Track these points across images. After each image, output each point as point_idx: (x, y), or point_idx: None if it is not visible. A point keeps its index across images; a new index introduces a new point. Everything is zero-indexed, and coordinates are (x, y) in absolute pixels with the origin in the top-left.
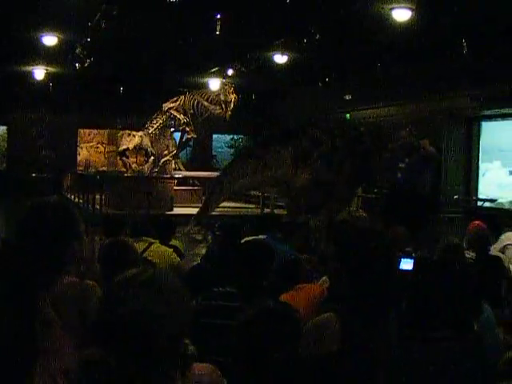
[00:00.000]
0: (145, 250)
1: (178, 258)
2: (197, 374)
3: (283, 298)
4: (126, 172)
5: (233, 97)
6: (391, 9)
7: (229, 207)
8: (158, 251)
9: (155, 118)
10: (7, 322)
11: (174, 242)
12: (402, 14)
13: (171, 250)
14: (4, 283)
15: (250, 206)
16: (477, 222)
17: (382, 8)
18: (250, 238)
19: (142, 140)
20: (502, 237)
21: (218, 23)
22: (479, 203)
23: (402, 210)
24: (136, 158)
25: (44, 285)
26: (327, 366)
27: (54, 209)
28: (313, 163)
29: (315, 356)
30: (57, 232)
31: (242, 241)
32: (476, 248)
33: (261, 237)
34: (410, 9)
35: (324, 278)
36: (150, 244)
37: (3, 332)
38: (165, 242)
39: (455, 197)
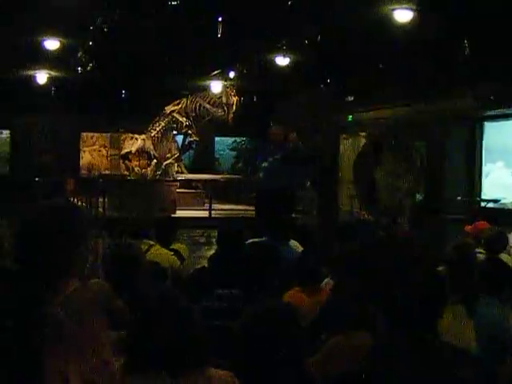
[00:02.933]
0: (144, 253)
1: (178, 262)
2: (217, 380)
3: (287, 298)
4: (129, 175)
5: (235, 99)
6: (393, 9)
7: (232, 209)
8: (157, 254)
9: (157, 121)
10: (16, 326)
11: (177, 245)
12: (403, 15)
13: (171, 252)
14: (12, 287)
15: (253, 208)
16: (482, 223)
17: (384, 9)
18: (254, 240)
19: (144, 143)
20: None
21: (220, 26)
22: (482, 204)
23: (267, 209)
24: (139, 161)
25: (53, 288)
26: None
27: (61, 211)
28: None
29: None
30: (66, 234)
31: (246, 243)
32: (493, 248)
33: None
34: (411, 9)
35: (327, 279)
36: (150, 247)
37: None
38: (165, 244)
39: (458, 198)
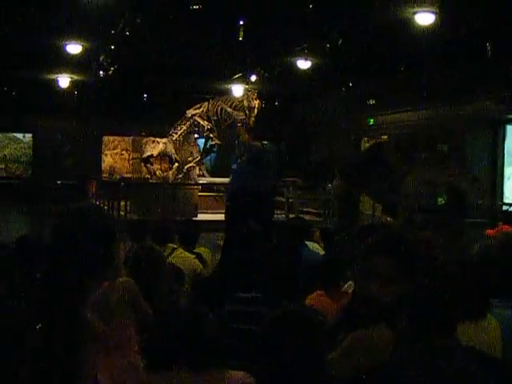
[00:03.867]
0: (167, 257)
1: (201, 265)
2: (234, 380)
3: (310, 301)
4: (151, 179)
5: (256, 103)
6: (414, 13)
7: None
8: (180, 257)
9: (179, 125)
10: (50, 328)
11: (201, 248)
12: (425, 18)
13: (193, 256)
14: (46, 289)
15: (275, 211)
16: (504, 226)
17: (406, 12)
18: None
19: (166, 147)
20: None
21: (241, 29)
22: (504, 207)
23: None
24: (160, 164)
25: (85, 289)
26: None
27: (93, 213)
28: None
29: (364, 367)
30: (98, 236)
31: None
32: None
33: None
34: (433, 12)
35: (350, 282)
36: (173, 250)
37: (47, 337)
38: (188, 248)
39: (479, 202)
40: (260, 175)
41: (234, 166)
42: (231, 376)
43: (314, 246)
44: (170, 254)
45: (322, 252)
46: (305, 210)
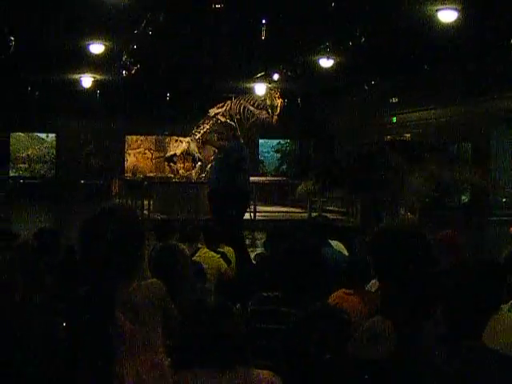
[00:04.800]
0: (192, 255)
1: (225, 264)
2: (260, 379)
3: (334, 300)
4: (174, 177)
5: (279, 101)
6: (437, 10)
7: (276, 211)
8: (204, 256)
9: (202, 124)
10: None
11: (226, 247)
12: (447, 15)
13: (218, 255)
14: (78, 288)
15: (298, 210)
16: None
17: (428, 9)
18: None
19: (189, 146)
20: None
21: (264, 28)
22: None
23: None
24: (183, 163)
25: (116, 289)
26: (381, 369)
27: (122, 213)
28: None
29: (368, 359)
30: (129, 236)
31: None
32: None
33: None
34: (455, 9)
35: (373, 281)
36: (197, 249)
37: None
38: (212, 247)
39: (504, 200)
40: (229, 171)
41: (213, 163)
42: (258, 375)
43: (338, 245)
44: (195, 253)
45: (346, 251)
46: (328, 208)
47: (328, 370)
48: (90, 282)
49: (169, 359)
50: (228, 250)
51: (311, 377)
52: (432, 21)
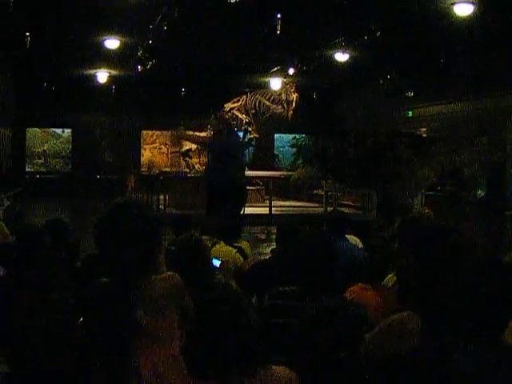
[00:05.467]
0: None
1: (242, 259)
2: (278, 376)
3: (351, 294)
4: (189, 172)
5: (294, 96)
6: (452, 3)
7: (292, 206)
8: (221, 251)
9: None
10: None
11: (243, 242)
12: (464, 9)
13: (235, 250)
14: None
15: (313, 204)
16: None
17: (444, 3)
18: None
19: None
20: None
21: (279, 23)
22: None
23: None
24: (199, 158)
25: (135, 283)
26: (407, 363)
27: (139, 208)
28: None
29: (392, 354)
30: (143, 230)
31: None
32: None
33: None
34: (471, 3)
35: (390, 275)
36: (215, 243)
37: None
38: (230, 242)
39: None
40: (222, 165)
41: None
42: (276, 373)
43: (354, 240)
44: (212, 247)
45: (361, 245)
46: (344, 203)
47: (343, 366)
48: (108, 277)
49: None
50: (245, 245)
51: (326, 372)
52: (448, 14)
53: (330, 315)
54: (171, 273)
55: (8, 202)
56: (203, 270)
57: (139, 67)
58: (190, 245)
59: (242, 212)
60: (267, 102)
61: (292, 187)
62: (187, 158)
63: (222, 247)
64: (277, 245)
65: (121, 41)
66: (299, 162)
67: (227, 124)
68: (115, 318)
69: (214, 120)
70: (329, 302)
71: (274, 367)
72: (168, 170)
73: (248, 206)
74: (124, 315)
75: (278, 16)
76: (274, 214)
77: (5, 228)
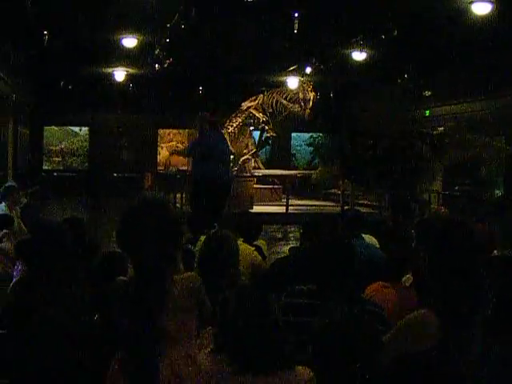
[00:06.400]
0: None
1: (260, 257)
2: (299, 376)
3: (371, 292)
4: None
5: (311, 95)
6: (470, 2)
7: (309, 205)
8: (240, 250)
9: (234, 117)
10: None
11: (260, 241)
12: (482, 8)
13: (253, 248)
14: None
15: (330, 203)
16: None
17: (461, 2)
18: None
19: None
20: None
21: (296, 21)
22: None
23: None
24: None
25: (158, 285)
26: (426, 362)
27: (162, 206)
28: None
29: (412, 352)
30: (169, 229)
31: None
32: None
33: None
34: (490, 2)
35: (408, 275)
36: None
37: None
38: (249, 241)
39: None
40: (207, 164)
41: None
42: (298, 372)
43: (370, 239)
44: None
45: (378, 244)
46: (360, 202)
47: (358, 377)
48: (125, 276)
49: (203, 350)
50: (262, 244)
51: (343, 374)
52: (466, 13)
53: (348, 319)
54: (191, 273)
55: (25, 200)
56: (231, 265)
57: (156, 66)
58: (221, 240)
59: (225, 208)
60: (284, 101)
61: (309, 186)
62: None
63: (240, 245)
64: (301, 241)
65: (138, 39)
66: (316, 161)
67: (210, 123)
68: (139, 323)
69: (198, 119)
70: (341, 313)
71: (297, 367)
72: (185, 168)
73: (264, 205)
74: (148, 320)
75: (296, 15)
76: (290, 213)
77: (23, 225)
